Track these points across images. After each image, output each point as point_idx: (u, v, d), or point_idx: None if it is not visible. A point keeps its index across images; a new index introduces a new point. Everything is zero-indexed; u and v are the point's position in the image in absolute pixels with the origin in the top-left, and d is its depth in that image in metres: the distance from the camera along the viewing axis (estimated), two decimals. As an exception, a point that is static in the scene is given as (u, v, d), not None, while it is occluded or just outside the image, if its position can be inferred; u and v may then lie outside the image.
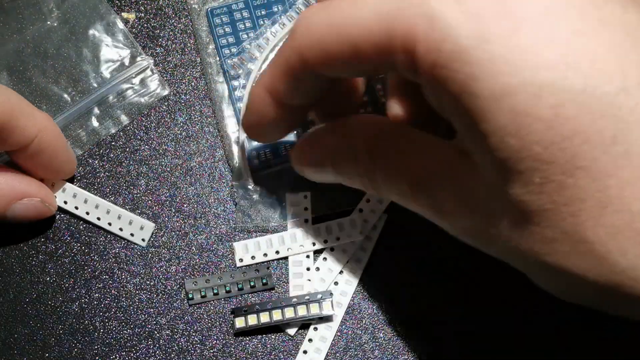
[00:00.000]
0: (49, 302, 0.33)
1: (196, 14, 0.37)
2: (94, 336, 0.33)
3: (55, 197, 0.34)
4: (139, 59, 0.36)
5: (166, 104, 0.36)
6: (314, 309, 0.32)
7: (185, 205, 0.35)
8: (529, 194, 0.22)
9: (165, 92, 0.36)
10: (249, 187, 0.34)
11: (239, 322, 0.32)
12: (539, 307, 0.32)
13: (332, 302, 0.32)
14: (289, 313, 0.32)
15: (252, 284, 0.33)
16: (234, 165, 0.35)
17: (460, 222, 0.25)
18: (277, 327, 0.33)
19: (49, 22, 0.36)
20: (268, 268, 0.33)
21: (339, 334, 0.33)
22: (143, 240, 0.34)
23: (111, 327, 0.33)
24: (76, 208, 0.34)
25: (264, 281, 0.33)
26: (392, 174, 0.27)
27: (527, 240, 0.23)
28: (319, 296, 0.32)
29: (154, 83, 0.36)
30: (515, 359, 0.32)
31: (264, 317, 0.32)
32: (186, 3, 0.37)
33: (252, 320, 0.32)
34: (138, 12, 0.38)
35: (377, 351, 0.32)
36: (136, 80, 0.36)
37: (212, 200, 0.35)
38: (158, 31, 0.37)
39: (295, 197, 0.34)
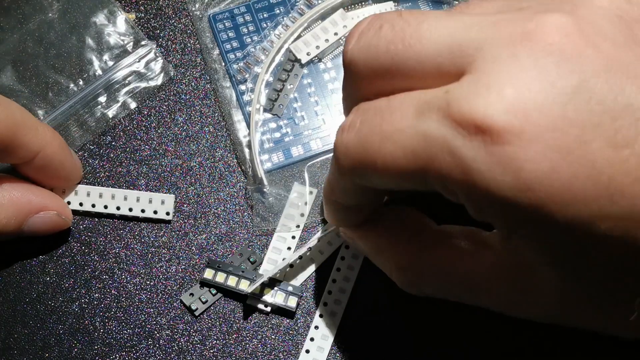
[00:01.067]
0: (49, 302, 0.33)
1: (198, 20, 0.37)
2: (94, 336, 0.33)
3: (70, 202, 0.34)
4: (142, 43, 0.36)
5: (166, 104, 0.36)
6: (279, 298, 0.33)
7: (185, 205, 0.35)
8: None
9: (171, 73, 0.37)
10: (264, 190, 0.34)
11: (208, 273, 0.33)
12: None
13: (298, 300, 0.33)
14: (255, 290, 0.33)
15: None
16: (247, 170, 0.35)
17: (532, 311, 0.26)
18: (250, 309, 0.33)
19: (50, 15, 0.36)
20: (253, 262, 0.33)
21: (339, 333, 0.33)
22: (168, 213, 0.34)
23: (111, 327, 0.33)
24: (93, 206, 0.34)
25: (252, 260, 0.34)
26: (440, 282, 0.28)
27: None
28: (290, 288, 0.33)
29: (158, 66, 0.36)
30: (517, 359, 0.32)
31: (231, 281, 0.33)
32: (186, 4, 0.37)
33: (219, 277, 0.33)
34: (138, 12, 0.38)
35: (377, 351, 0.33)
36: (140, 65, 0.36)
37: (212, 200, 0.35)
38: (158, 31, 0.37)
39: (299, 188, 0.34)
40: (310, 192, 0.34)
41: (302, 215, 0.34)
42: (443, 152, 0.21)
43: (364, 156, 0.24)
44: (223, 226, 0.34)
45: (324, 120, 0.36)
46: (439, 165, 0.21)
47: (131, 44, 0.36)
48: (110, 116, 0.36)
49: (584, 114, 0.20)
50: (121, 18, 0.37)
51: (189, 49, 0.37)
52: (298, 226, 0.34)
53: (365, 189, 0.26)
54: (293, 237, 0.34)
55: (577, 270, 0.22)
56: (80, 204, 0.34)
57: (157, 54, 0.36)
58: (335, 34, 0.36)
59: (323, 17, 0.37)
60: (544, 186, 0.20)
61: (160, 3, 0.38)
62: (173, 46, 0.37)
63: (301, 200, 0.34)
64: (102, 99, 0.36)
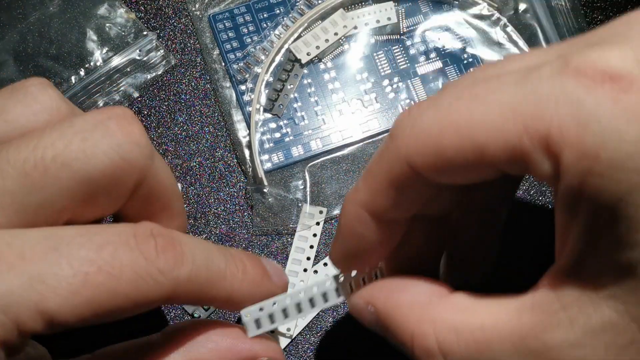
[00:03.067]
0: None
1: (198, 20, 0.37)
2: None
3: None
4: (142, 34, 0.37)
5: (166, 104, 0.36)
6: None
7: (185, 205, 0.35)
8: None
9: (173, 62, 0.37)
10: (264, 190, 0.34)
11: None
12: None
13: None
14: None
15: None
16: (247, 170, 0.35)
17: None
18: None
19: (51, 8, 0.37)
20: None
21: (338, 333, 0.33)
22: None
23: (113, 327, 0.33)
24: None
25: None
26: None
27: None
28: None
29: (159, 55, 0.37)
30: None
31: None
32: (186, 4, 0.38)
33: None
34: (138, 12, 0.38)
35: (377, 351, 0.33)
36: (142, 55, 0.36)
37: (212, 200, 0.35)
38: (158, 31, 0.37)
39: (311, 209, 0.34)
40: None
41: (321, 212, 0.34)
42: (557, 104, 0.19)
43: (443, 130, 0.21)
44: (223, 226, 0.34)
45: (324, 120, 0.36)
46: (552, 118, 0.19)
47: (132, 35, 0.37)
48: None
49: None
50: (122, 11, 0.37)
51: (189, 49, 0.37)
52: (318, 223, 0.34)
53: (422, 188, 0.23)
54: (308, 259, 0.34)
55: None
56: None
57: (158, 44, 0.37)
58: (335, 34, 0.36)
59: (323, 17, 0.37)
60: None
61: (160, 3, 0.38)
62: (173, 46, 0.37)
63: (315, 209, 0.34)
64: (105, 89, 0.36)
